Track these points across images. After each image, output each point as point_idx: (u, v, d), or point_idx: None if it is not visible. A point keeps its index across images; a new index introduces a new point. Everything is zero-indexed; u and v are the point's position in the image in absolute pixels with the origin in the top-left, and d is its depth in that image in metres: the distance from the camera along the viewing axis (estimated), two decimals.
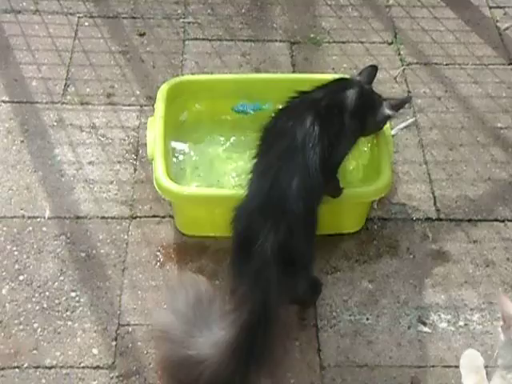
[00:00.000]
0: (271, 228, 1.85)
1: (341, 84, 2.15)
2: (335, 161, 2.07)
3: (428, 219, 2.35)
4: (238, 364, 1.80)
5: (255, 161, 2.02)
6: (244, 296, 1.84)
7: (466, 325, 2.10)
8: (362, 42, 2.92)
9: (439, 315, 2.12)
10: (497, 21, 3.02)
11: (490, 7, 3.08)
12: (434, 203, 2.39)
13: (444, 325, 2.10)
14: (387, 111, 2.15)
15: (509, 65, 2.85)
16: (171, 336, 1.86)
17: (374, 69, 2.23)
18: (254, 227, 1.87)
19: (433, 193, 2.42)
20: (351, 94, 2.07)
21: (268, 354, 1.83)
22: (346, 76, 2.26)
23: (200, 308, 1.87)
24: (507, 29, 2.99)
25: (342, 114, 2.04)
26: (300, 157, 1.94)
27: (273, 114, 2.09)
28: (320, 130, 1.97)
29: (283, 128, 2.00)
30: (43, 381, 1.95)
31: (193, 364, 1.82)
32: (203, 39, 2.89)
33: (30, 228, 2.26)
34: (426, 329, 2.09)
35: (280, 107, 2.11)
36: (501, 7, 3.08)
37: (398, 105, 2.19)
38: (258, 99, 2.44)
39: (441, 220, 2.35)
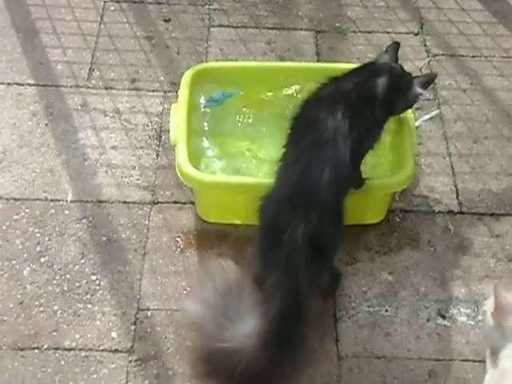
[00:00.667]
0: (302, 217, 1.84)
1: (371, 71, 2.11)
2: (363, 150, 2.06)
3: (450, 212, 2.34)
4: (271, 355, 1.79)
5: (285, 150, 2.01)
6: (274, 286, 1.83)
7: (482, 322, 2.09)
8: (387, 32, 2.91)
9: (459, 309, 2.11)
10: None
11: None
12: (457, 196, 2.38)
13: (463, 319, 2.09)
14: (418, 90, 2.13)
15: None
16: (203, 328, 1.85)
17: (397, 45, 2.21)
18: (283, 216, 1.87)
19: (455, 186, 2.41)
20: (381, 83, 2.05)
21: (301, 345, 1.82)
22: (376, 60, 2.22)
23: (230, 297, 1.86)
24: None
25: (373, 105, 2.03)
26: (331, 148, 1.93)
27: (303, 103, 2.07)
28: (351, 121, 1.96)
29: (314, 118, 1.98)
30: (62, 362, 1.97)
31: (227, 356, 1.81)
32: (228, 26, 2.88)
33: (53, 211, 2.27)
34: (445, 322, 2.08)
35: (310, 95, 2.08)
36: None
37: (428, 81, 2.16)
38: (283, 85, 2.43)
39: (463, 213, 2.34)
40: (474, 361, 2.00)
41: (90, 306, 2.07)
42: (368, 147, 2.07)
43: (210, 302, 1.87)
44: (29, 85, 2.63)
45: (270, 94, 2.45)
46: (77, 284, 2.11)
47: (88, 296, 2.09)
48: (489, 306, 1.73)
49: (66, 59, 2.72)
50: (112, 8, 2.91)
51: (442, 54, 2.83)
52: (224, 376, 1.86)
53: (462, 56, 2.83)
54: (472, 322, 2.08)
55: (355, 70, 2.14)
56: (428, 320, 2.09)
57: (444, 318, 2.09)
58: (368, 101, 2.03)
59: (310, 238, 1.84)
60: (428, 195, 2.39)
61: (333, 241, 1.96)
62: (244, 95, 2.45)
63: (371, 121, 2.04)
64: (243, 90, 2.45)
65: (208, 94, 2.43)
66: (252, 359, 1.79)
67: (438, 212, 2.34)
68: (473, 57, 2.82)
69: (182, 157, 2.15)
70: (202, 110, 2.42)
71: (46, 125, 2.50)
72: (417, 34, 2.91)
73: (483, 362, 1.88)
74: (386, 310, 2.10)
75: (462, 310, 2.11)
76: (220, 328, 1.83)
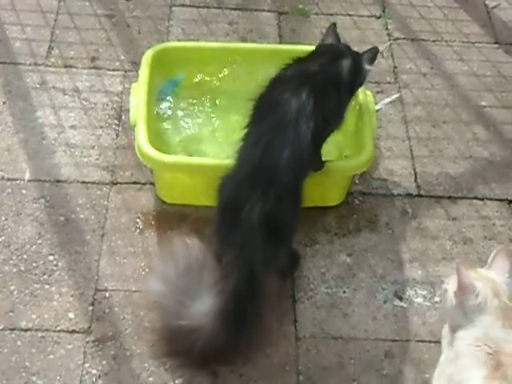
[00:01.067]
0: (259, 197, 1.85)
1: (334, 53, 2.12)
2: (326, 133, 2.06)
3: (408, 195, 2.36)
4: (228, 333, 1.81)
5: (247, 130, 2.00)
6: (230, 264, 1.84)
7: (441, 301, 2.10)
8: (350, 15, 2.91)
9: (415, 290, 2.13)
10: None
11: None
12: (415, 179, 2.40)
13: (420, 300, 2.11)
14: (367, 67, 2.14)
15: (495, 43, 2.85)
16: (163, 306, 1.87)
17: (335, 25, 2.24)
18: (241, 195, 1.88)
19: (414, 169, 2.43)
20: (346, 65, 2.06)
21: (257, 324, 1.84)
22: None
23: (190, 275, 1.87)
24: (495, 7, 2.99)
25: (339, 87, 2.04)
26: (293, 129, 1.93)
27: (267, 83, 2.05)
28: (315, 103, 1.96)
29: (278, 99, 1.98)
30: (18, 343, 1.95)
31: (186, 334, 1.83)
32: (190, 6, 2.86)
33: (10, 190, 2.25)
34: (401, 303, 2.10)
35: (274, 76, 2.07)
36: None
37: (373, 57, 2.17)
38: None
39: (421, 196, 2.36)
40: (430, 341, 2.02)
41: (47, 286, 2.05)
42: (331, 130, 2.08)
43: (170, 279, 1.88)
44: None
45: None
46: (34, 264, 2.09)
47: (45, 276, 2.07)
48: (451, 285, 1.75)
49: (24, 36, 2.68)
50: None
51: (404, 38, 2.84)
52: (183, 355, 1.88)
53: (423, 40, 2.84)
54: (428, 304, 2.11)
55: (318, 51, 2.14)
56: (385, 301, 2.11)
57: (401, 299, 2.11)
58: (334, 83, 2.04)
59: (266, 217, 1.85)
60: (387, 178, 2.40)
61: (290, 222, 1.97)
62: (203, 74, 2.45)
63: (336, 103, 2.04)
64: (202, 72, 2.45)
65: (166, 76, 2.41)
66: (208, 337, 1.80)
67: (397, 195, 2.36)
68: (433, 41, 2.84)
69: (141, 137, 2.14)
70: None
71: (4, 103, 2.47)
72: (379, 18, 2.91)
73: (439, 342, 1.89)
74: (344, 292, 2.12)
75: (418, 291, 2.13)
76: (180, 306, 1.84)
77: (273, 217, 1.86)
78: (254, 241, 1.84)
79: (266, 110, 2.00)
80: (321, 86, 2.00)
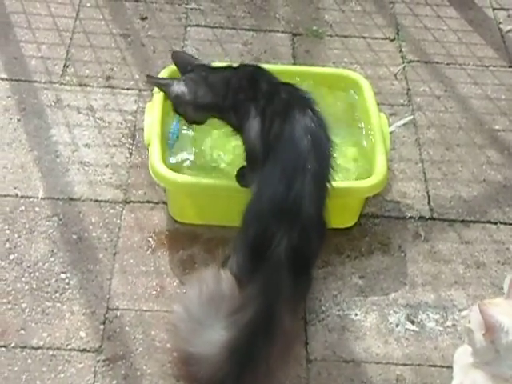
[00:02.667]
0: (285, 233, 1.85)
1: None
2: None
3: (421, 218, 2.35)
4: (232, 366, 1.79)
5: (266, 161, 1.98)
6: (251, 297, 1.83)
7: (453, 325, 2.10)
8: (363, 37, 2.92)
9: (428, 314, 2.12)
10: (500, 22, 3.02)
11: (494, 8, 3.08)
12: (428, 202, 2.40)
13: (432, 324, 2.10)
14: None
15: (509, 67, 2.85)
16: (179, 330, 1.88)
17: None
18: (268, 231, 1.87)
19: (427, 192, 2.42)
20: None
21: (264, 362, 1.81)
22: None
23: (210, 305, 1.86)
24: (510, 31, 2.99)
25: None
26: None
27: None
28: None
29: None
30: (29, 361, 1.95)
31: (193, 361, 1.82)
32: (205, 26, 2.88)
33: (23, 207, 2.25)
34: (413, 327, 2.09)
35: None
36: (504, 9, 3.08)
37: None
38: None
39: (434, 219, 2.35)
40: (442, 366, 2.01)
41: (58, 304, 2.05)
42: None
43: (191, 306, 1.87)
44: (2, 79, 2.60)
45: None
46: (46, 282, 2.09)
47: (57, 294, 2.07)
48: (474, 324, 1.69)
49: (40, 54, 2.70)
50: (88, 4, 2.89)
51: (417, 61, 2.85)
52: (190, 381, 1.88)
53: (437, 63, 2.85)
54: (440, 328, 2.09)
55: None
56: (397, 325, 2.10)
57: (413, 323, 2.10)
58: None
59: (293, 253, 1.85)
60: (400, 201, 2.40)
61: (316, 254, 1.99)
62: None
63: None
64: None
65: None
66: (213, 367, 1.79)
67: (410, 218, 2.35)
68: (447, 64, 2.84)
69: (155, 156, 2.14)
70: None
71: (19, 120, 2.48)
72: (393, 40, 2.92)
73: (451, 367, 1.89)
74: (356, 314, 2.11)
75: (430, 315, 2.12)
76: (192, 333, 1.84)
77: (299, 251, 1.87)
78: (279, 278, 1.83)
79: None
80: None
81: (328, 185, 1.98)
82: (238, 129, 2.11)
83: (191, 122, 2.23)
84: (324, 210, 1.97)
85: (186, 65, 2.23)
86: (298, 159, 1.92)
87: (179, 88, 2.16)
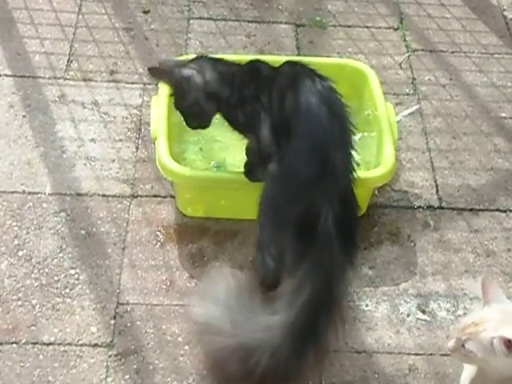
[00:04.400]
0: (329, 206, 1.82)
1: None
2: None
3: (430, 207, 2.35)
4: (298, 346, 1.73)
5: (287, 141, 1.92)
6: (306, 276, 1.78)
7: (465, 314, 2.09)
8: (367, 27, 2.91)
9: (439, 304, 2.11)
10: (504, 10, 3.01)
11: None
12: (436, 191, 2.39)
13: (443, 313, 2.10)
14: None
15: None
16: (216, 327, 1.77)
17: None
18: (313, 205, 1.82)
19: (435, 181, 2.42)
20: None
21: (328, 336, 1.77)
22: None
23: (242, 297, 1.78)
24: None
25: None
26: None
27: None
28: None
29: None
30: (41, 357, 1.94)
31: (246, 353, 1.73)
32: (208, 19, 2.87)
33: (31, 204, 2.24)
34: (425, 317, 2.09)
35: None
36: None
37: None
38: None
39: (442, 208, 2.35)
40: None
41: (68, 300, 2.05)
42: None
43: (221, 301, 1.79)
44: (6, 76, 2.59)
45: None
46: (55, 278, 2.09)
47: (67, 290, 2.07)
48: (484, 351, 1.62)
49: (43, 50, 2.69)
50: None
51: (422, 50, 2.84)
52: (241, 380, 1.78)
53: (442, 51, 2.83)
54: (452, 317, 2.09)
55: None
56: (408, 315, 2.09)
57: (424, 312, 2.10)
58: None
59: (339, 224, 1.82)
60: (408, 190, 2.39)
61: (357, 219, 1.98)
62: None
63: None
64: None
65: None
66: (276, 352, 1.71)
67: (418, 207, 2.35)
68: (452, 52, 2.83)
69: (162, 150, 2.14)
70: None
71: (24, 116, 2.47)
72: (396, 29, 2.91)
73: None
74: (367, 305, 2.10)
75: (441, 304, 2.11)
76: (234, 324, 1.75)
77: (344, 222, 1.84)
78: (332, 253, 1.80)
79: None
80: None
81: (352, 151, 1.94)
82: (246, 130, 2.08)
83: (195, 124, 2.15)
84: (352, 175, 1.93)
85: (176, 65, 2.11)
86: (323, 129, 1.87)
87: (189, 71, 2.06)
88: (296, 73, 1.99)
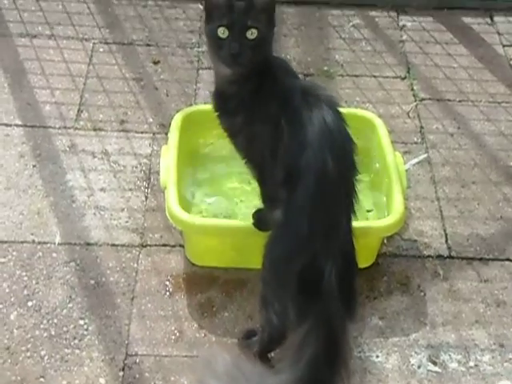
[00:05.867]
0: (333, 262, 1.79)
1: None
2: None
3: (439, 256, 2.34)
4: None
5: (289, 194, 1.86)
6: (309, 333, 1.77)
7: (476, 365, 2.08)
8: (375, 76, 2.93)
9: (449, 355, 2.10)
10: (510, 59, 3.04)
11: (504, 45, 3.09)
12: (446, 240, 2.38)
13: (454, 365, 2.08)
14: None
15: None
16: None
17: None
18: (316, 260, 1.80)
19: (444, 230, 2.41)
20: None
21: None
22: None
23: (243, 366, 1.76)
24: None
25: None
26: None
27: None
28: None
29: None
30: None
31: None
32: None
33: (40, 253, 2.25)
34: (436, 368, 2.07)
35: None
36: None
37: None
38: None
39: (452, 258, 2.34)
40: None
41: (77, 351, 2.04)
42: None
43: (223, 375, 1.76)
44: (16, 125, 2.62)
45: None
46: (64, 329, 2.08)
47: (76, 341, 2.06)
48: None
49: (54, 100, 2.71)
50: (101, 49, 2.92)
51: (429, 99, 2.86)
52: None
53: (449, 100, 2.85)
54: (463, 368, 2.07)
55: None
56: (419, 366, 2.07)
57: (435, 364, 2.08)
58: None
59: (341, 280, 1.80)
60: (417, 239, 2.39)
61: (356, 272, 1.92)
62: None
63: None
64: None
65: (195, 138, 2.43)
66: None
67: (428, 256, 2.34)
68: (459, 101, 2.85)
69: (172, 199, 2.14)
70: None
71: (34, 166, 2.49)
72: (404, 78, 2.93)
73: None
74: (377, 356, 2.08)
75: (452, 356, 2.10)
76: None
77: (346, 277, 1.81)
78: (335, 309, 1.78)
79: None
80: None
81: (354, 200, 1.90)
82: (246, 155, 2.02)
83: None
84: (352, 224, 1.90)
85: None
86: (326, 178, 1.80)
87: None
88: (310, 102, 1.86)
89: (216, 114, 2.02)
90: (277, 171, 1.88)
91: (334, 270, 1.79)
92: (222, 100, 1.99)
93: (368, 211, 2.35)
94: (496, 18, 3.22)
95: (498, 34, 3.15)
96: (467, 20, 3.20)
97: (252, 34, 1.84)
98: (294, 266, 1.82)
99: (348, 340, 1.83)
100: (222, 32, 1.85)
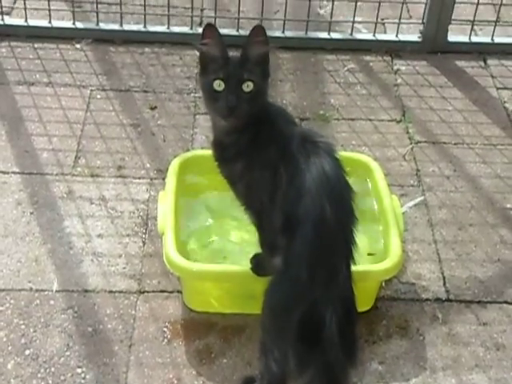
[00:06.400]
0: (333, 310, 1.80)
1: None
2: None
3: (437, 300, 2.33)
4: None
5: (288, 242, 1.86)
6: (311, 380, 1.79)
7: None
8: (370, 120, 2.96)
9: None
10: (504, 102, 3.06)
11: (497, 88, 3.12)
12: (444, 283, 2.38)
13: None
14: None
15: None
16: None
17: None
18: (316, 314, 1.79)
19: (442, 273, 2.41)
20: None
21: None
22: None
23: None
24: None
25: None
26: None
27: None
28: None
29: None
30: None
31: None
32: None
33: (38, 301, 2.24)
34: None
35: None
36: (508, 88, 3.13)
37: None
38: None
39: (450, 301, 2.33)
40: None
41: None
42: None
43: None
44: (13, 173, 2.62)
45: None
46: (62, 378, 2.06)
47: None
48: None
49: (51, 147, 2.73)
50: (98, 96, 2.94)
51: (425, 141, 2.88)
52: None
53: (445, 143, 2.87)
54: None
55: None
56: None
57: None
58: None
59: (341, 329, 1.80)
60: (415, 282, 2.38)
61: (356, 319, 1.92)
62: None
63: None
64: None
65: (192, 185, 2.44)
66: None
67: (426, 300, 2.33)
68: (455, 144, 2.87)
69: (169, 246, 2.14)
70: None
71: (31, 213, 2.49)
72: (399, 122, 2.95)
73: None
74: None
75: None
76: None
77: (346, 325, 1.82)
78: (337, 356, 1.79)
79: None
80: None
81: (353, 247, 1.90)
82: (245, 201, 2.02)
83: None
84: (351, 271, 1.89)
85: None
86: (325, 225, 1.80)
87: None
88: (307, 149, 1.87)
89: (216, 163, 2.03)
90: (275, 217, 1.88)
91: (335, 317, 1.79)
92: (221, 149, 2.01)
93: (370, 254, 2.34)
94: (489, 61, 3.25)
95: (492, 76, 3.18)
96: (461, 63, 3.24)
97: (248, 86, 1.86)
98: (294, 314, 1.81)
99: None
100: (218, 85, 1.87)
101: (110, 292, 2.29)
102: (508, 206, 2.64)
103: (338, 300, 1.81)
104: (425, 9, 3.23)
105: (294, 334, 1.81)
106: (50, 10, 3.16)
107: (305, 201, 1.81)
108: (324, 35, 3.26)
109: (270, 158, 1.90)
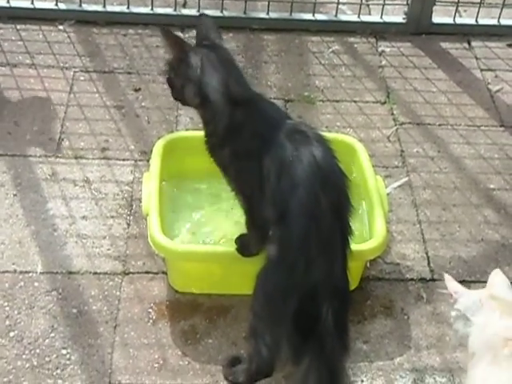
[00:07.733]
0: (330, 301, 1.82)
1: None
2: None
3: (422, 279, 2.35)
4: None
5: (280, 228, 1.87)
6: (308, 372, 1.80)
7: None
8: (355, 101, 2.95)
9: (434, 378, 2.09)
10: (488, 83, 3.07)
11: (481, 69, 3.13)
12: (428, 263, 2.39)
13: None
14: None
15: (501, 126, 2.88)
16: None
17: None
18: (311, 307, 1.82)
19: (426, 253, 2.42)
20: None
21: None
22: None
23: None
24: (498, 91, 3.03)
25: None
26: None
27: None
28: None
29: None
30: None
31: None
32: None
33: (22, 283, 2.23)
34: None
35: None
36: (492, 70, 3.13)
37: None
38: None
39: (434, 280, 2.34)
40: None
41: (60, 381, 2.02)
42: None
43: None
44: None
45: None
46: (47, 359, 2.06)
47: (58, 371, 2.04)
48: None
49: (35, 129, 2.71)
50: (82, 78, 2.92)
51: (409, 123, 2.88)
52: None
53: (429, 124, 2.88)
54: None
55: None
56: None
57: None
58: None
59: (337, 320, 1.83)
60: (400, 262, 2.39)
61: (349, 309, 1.95)
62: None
63: None
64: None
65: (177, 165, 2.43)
66: None
67: (411, 279, 2.35)
68: (439, 125, 2.87)
69: (154, 227, 2.14)
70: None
71: (15, 195, 2.48)
72: (384, 103, 2.95)
73: None
74: (362, 381, 2.08)
75: (437, 379, 2.09)
76: None
77: (341, 315, 1.85)
78: (332, 346, 1.81)
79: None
80: None
81: (349, 236, 1.91)
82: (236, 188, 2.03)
83: (174, 96, 2.12)
84: (347, 261, 1.90)
85: (204, 37, 2.00)
86: (320, 215, 1.81)
87: (196, 61, 1.95)
88: (297, 140, 1.87)
89: (209, 154, 2.05)
90: (265, 207, 1.89)
91: (331, 308, 1.81)
92: (208, 136, 2.04)
93: None
94: (473, 43, 3.26)
95: (476, 58, 3.19)
96: (445, 45, 3.24)
97: None
98: (289, 303, 1.83)
99: (345, 376, 1.88)
100: None
101: (95, 273, 2.28)
102: (491, 186, 2.65)
103: (333, 291, 1.83)
104: None
105: (290, 325, 1.83)
106: None
107: (298, 192, 1.82)
108: (309, 17, 3.24)
109: (253, 149, 1.91)
